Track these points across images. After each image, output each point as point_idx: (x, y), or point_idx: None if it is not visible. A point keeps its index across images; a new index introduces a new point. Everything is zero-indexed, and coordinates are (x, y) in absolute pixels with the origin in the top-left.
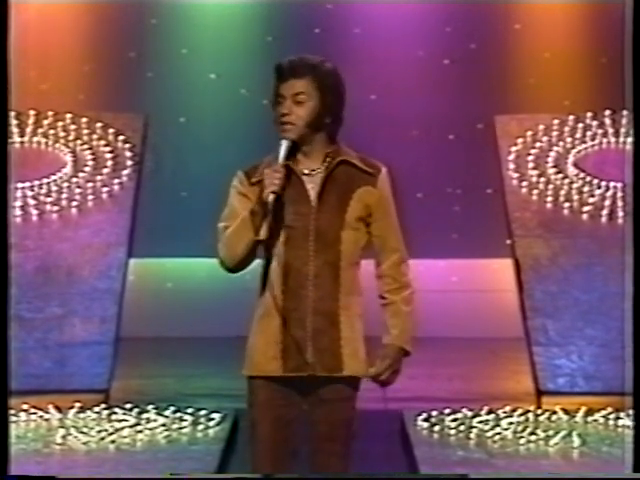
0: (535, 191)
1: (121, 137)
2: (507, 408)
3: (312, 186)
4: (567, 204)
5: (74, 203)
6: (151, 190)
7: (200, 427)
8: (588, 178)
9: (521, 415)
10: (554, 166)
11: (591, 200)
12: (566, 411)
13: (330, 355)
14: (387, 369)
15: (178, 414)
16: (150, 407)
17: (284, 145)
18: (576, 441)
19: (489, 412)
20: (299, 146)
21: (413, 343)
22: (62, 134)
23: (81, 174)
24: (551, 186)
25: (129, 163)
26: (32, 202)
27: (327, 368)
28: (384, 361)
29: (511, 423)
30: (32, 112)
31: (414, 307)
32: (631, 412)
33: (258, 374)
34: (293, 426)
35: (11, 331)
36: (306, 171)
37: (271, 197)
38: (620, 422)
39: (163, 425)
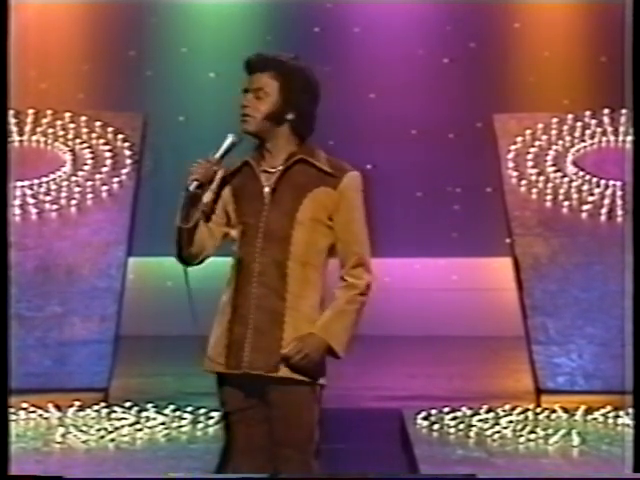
0: (534, 190)
1: (120, 136)
2: (507, 407)
3: (268, 184)
4: (566, 203)
5: (73, 202)
6: (150, 189)
7: (200, 426)
8: (587, 177)
9: (521, 414)
10: (553, 165)
11: (590, 199)
12: (566, 410)
13: (267, 354)
14: (297, 353)
15: (178, 413)
16: (150, 406)
17: (227, 141)
18: (576, 440)
19: (489, 411)
20: (263, 143)
21: (345, 346)
22: (61, 133)
23: (80, 173)
24: (550, 185)
25: (128, 162)
26: (31, 201)
27: (261, 367)
28: (296, 344)
29: (511, 422)
30: (31, 111)
31: (357, 310)
32: (631, 411)
33: (209, 369)
34: (257, 423)
35: (11, 330)
36: (267, 169)
37: (193, 185)
38: (619, 421)
39: (162, 424)
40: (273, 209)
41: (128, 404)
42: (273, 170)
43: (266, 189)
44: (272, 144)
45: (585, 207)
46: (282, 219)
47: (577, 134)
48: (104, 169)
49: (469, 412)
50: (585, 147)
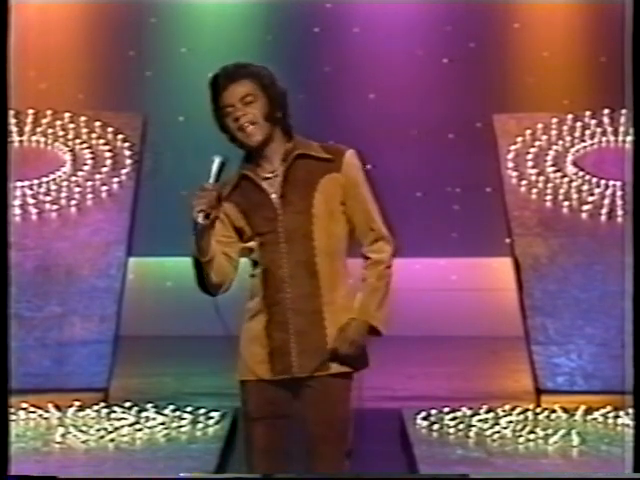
0: (534, 190)
1: (120, 136)
2: (506, 407)
3: (273, 190)
4: (566, 203)
5: (73, 202)
6: (150, 189)
7: (199, 426)
8: (587, 177)
9: (520, 414)
10: (553, 165)
11: (590, 199)
12: (565, 410)
13: (315, 355)
14: (343, 342)
15: (177, 413)
16: (149, 406)
17: (215, 163)
18: (575, 440)
19: (488, 411)
20: (257, 150)
21: (386, 322)
22: (61, 133)
23: (80, 173)
24: (550, 185)
25: (128, 162)
26: (31, 201)
27: (312, 369)
28: (339, 335)
29: (510, 422)
30: (31, 111)
31: (388, 283)
32: (631, 411)
33: (249, 378)
34: (285, 427)
35: (10, 330)
36: (267, 175)
37: (200, 216)
38: (619, 421)
39: (162, 424)
40: (287, 212)
41: (128, 404)
42: (273, 174)
43: (273, 195)
44: (268, 148)
45: (585, 207)
46: (299, 218)
47: (577, 134)
48: (104, 169)
49: (469, 412)
50: (585, 147)
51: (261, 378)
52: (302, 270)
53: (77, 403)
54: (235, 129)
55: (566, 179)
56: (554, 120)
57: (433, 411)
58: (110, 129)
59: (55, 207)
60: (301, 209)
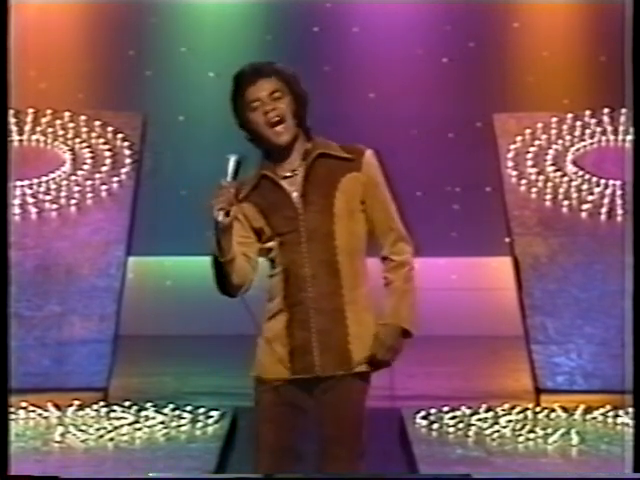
0: (534, 189)
1: (120, 135)
2: (506, 406)
3: (294, 188)
4: (566, 202)
5: (73, 201)
6: (150, 188)
7: (199, 425)
8: (587, 176)
9: (520, 413)
10: (553, 164)
11: (590, 198)
12: (565, 409)
13: (337, 354)
14: (380, 348)
15: (177, 412)
16: (149, 405)
17: (232, 161)
18: (575, 439)
19: (488, 410)
20: (279, 149)
21: (415, 324)
22: (61, 132)
23: (80, 172)
24: (550, 184)
25: (128, 161)
26: (31, 200)
27: (335, 367)
28: (376, 341)
29: (510, 421)
30: (31, 110)
31: (414, 284)
32: (631, 410)
33: (266, 377)
34: (298, 427)
35: (10, 329)
36: (286, 174)
37: (220, 215)
38: (619, 420)
39: (162, 423)
40: (308, 211)
41: (127, 403)
42: (294, 173)
43: (294, 194)
44: (289, 147)
45: (585, 206)
46: (320, 218)
47: (577, 133)
48: (104, 168)
49: (468, 411)
50: (585, 146)
51: (279, 377)
52: (324, 269)
53: (77, 402)
54: (264, 124)
55: (566, 178)
56: (554, 119)
57: (433, 410)
58: (110, 128)
59: (55, 206)
60: (322, 208)
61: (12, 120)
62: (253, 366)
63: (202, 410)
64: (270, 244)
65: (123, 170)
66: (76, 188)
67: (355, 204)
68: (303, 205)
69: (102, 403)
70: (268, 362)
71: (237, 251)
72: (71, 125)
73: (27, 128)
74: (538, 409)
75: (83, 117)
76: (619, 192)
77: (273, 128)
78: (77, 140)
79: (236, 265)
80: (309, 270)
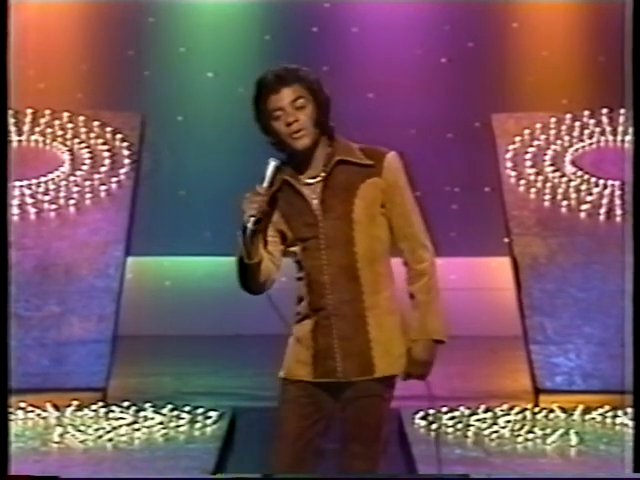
0: (533, 189)
1: (119, 136)
2: (505, 406)
3: (314, 196)
4: (565, 202)
5: (72, 201)
6: (149, 188)
7: (197, 425)
8: (586, 176)
9: (518, 413)
10: (552, 164)
11: (589, 198)
12: (564, 409)
13: (359, 359)
14: (415, 365)
15: (176, 412)
16: (148, 405)
17: (270, 167)
18: (573, 439)
19: (486, 410)
20: (303, 155)
21: (445, 330)
22: (60, 133)
23: (79, 172)
24: (549, 184)
25: (127, 161)
26: (30, 200)
27: (357, 373)
28: (409, 359)
29: (508, 421)
30: (29, 111)
31: (437, 291)
32: (630, 410)
33: (290, 377)
34: (319, 426)
35: (9, 329)
36: (308, 180)
37: (251, 222)
38: (618, 420)
39: (161, 423)
40: (327, 218)
41: (126, 404)
42: (315, 180)
43: (314, 201)
44: (311, 153)
45: (584, 207)
46: (339, 225)
47: (576, 134)
48: (102, 169)
49: (467, 412)
50: (584, 147)
51: (301, 379)
52: (343, 276)
53: (75, 403)
54: (286, 134)
55: (565, 179)
56: (553, 119)
57: (431, 410)
58: (109, 129)
59: (54, 207)
60: (341, 215)
61: (11, 120)
62: (282, 366)
63: (201, 410)
64: (294, 248)
65: (122, 170)
66: (75, 188)
67: (375, 209)
68: (322, 212)
69: (101, 403)
70: (293, 362)
71: (263, 251)
72: (70, 125)
73: (26, 128)
74: (537, 409)
75: (82, 117)
76: (618, 192)
77: (293, 135)
78: (76, 140)
79: (262, 265)
80: (328, 277)
